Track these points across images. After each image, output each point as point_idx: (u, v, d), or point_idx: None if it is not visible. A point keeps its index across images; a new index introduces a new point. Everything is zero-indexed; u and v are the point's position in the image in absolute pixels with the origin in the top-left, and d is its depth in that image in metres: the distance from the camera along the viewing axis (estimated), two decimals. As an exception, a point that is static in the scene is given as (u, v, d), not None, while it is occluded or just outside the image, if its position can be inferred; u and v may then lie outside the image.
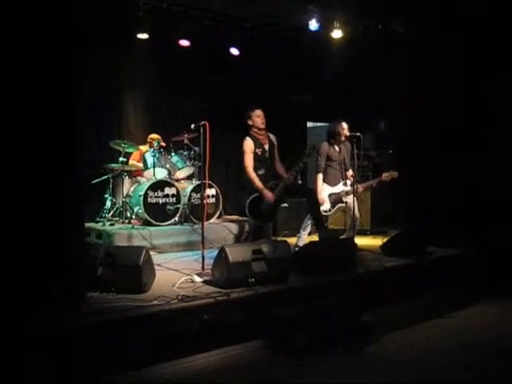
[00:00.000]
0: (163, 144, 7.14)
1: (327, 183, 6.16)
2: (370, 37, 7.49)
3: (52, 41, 3.52)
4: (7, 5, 3.36)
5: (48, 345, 3.17)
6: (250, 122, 5.81)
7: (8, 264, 3.31)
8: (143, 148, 7.33)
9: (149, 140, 7.34)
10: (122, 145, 6.81)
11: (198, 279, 4.55)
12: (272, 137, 5.94)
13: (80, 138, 3.81)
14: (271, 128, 6.00)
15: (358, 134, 5.87)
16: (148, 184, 6.52)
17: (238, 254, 4.27)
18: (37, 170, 3.46)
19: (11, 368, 3.00)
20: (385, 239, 6.15)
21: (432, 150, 6.85)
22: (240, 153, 5.78)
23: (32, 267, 3.37)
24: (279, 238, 6.19)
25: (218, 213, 7.12)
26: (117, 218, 6.82)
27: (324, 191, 6.09)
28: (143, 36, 7.23)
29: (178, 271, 4.95)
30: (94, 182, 6.80)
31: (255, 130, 5.79)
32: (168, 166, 7.01)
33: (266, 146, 5.86)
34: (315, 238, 6.03)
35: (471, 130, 6.48)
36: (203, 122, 4.94)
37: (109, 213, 6.80)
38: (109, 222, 6.57)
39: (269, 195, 5.61)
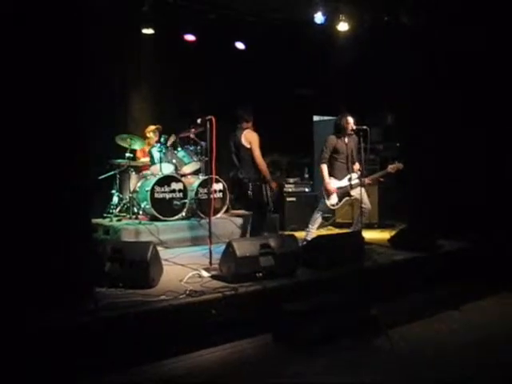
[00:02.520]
0: (159, 127, 7.14)
1: (334, 177, 6.10)
2: (377, 29, 7.43)
3: (55, 37, 3.50)
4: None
5: (56, 341, 3.17)
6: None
7: (14, 261, 3.31)
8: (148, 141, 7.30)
9: (148, 135, 7.29)
10: (128, 140, 6.81)
11: (205, 274, 4.54)
12: None
13: (85, 135, 3.79)
14: (277, 122, 5.99)
15: (365, 127, 5.85)
16: (155, 179, 6.51)
17: (245, 248, 4.27)
18: (42, 167, 3.45)
19: (15, 363, 3.01)
20: (393, 232, 6.12)
21: (437, 143, 6.79)
22: (248, 145, 5.78)
23: (39, 264, 3.37)
24: (286, 232, 6.18)
25: (225, 208, 7.11)
26: (124, 214, 6.82)
27: (332, 183, 6.05)
28: (148, 31, 7.21)
29: (185, 266, 4.95)
30: (100, 177, 6.80)
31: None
32: (174, 161, 7.00)
33: None
34: (324, 232, 6.01)
35: (477, 121, 6.41)
36: (209, 117, 4.92)
37: (116, 208, 6.81)
38: (116, 218, 6.59)
39: (274, 184, 5.87)
